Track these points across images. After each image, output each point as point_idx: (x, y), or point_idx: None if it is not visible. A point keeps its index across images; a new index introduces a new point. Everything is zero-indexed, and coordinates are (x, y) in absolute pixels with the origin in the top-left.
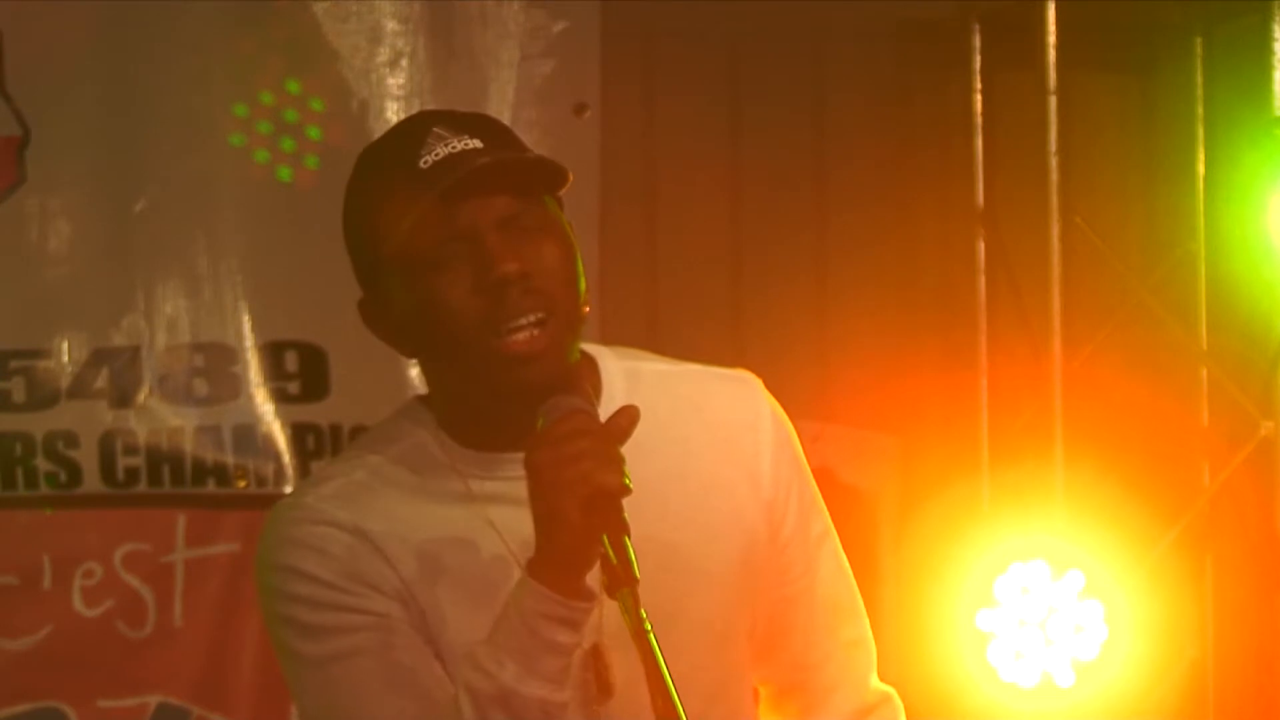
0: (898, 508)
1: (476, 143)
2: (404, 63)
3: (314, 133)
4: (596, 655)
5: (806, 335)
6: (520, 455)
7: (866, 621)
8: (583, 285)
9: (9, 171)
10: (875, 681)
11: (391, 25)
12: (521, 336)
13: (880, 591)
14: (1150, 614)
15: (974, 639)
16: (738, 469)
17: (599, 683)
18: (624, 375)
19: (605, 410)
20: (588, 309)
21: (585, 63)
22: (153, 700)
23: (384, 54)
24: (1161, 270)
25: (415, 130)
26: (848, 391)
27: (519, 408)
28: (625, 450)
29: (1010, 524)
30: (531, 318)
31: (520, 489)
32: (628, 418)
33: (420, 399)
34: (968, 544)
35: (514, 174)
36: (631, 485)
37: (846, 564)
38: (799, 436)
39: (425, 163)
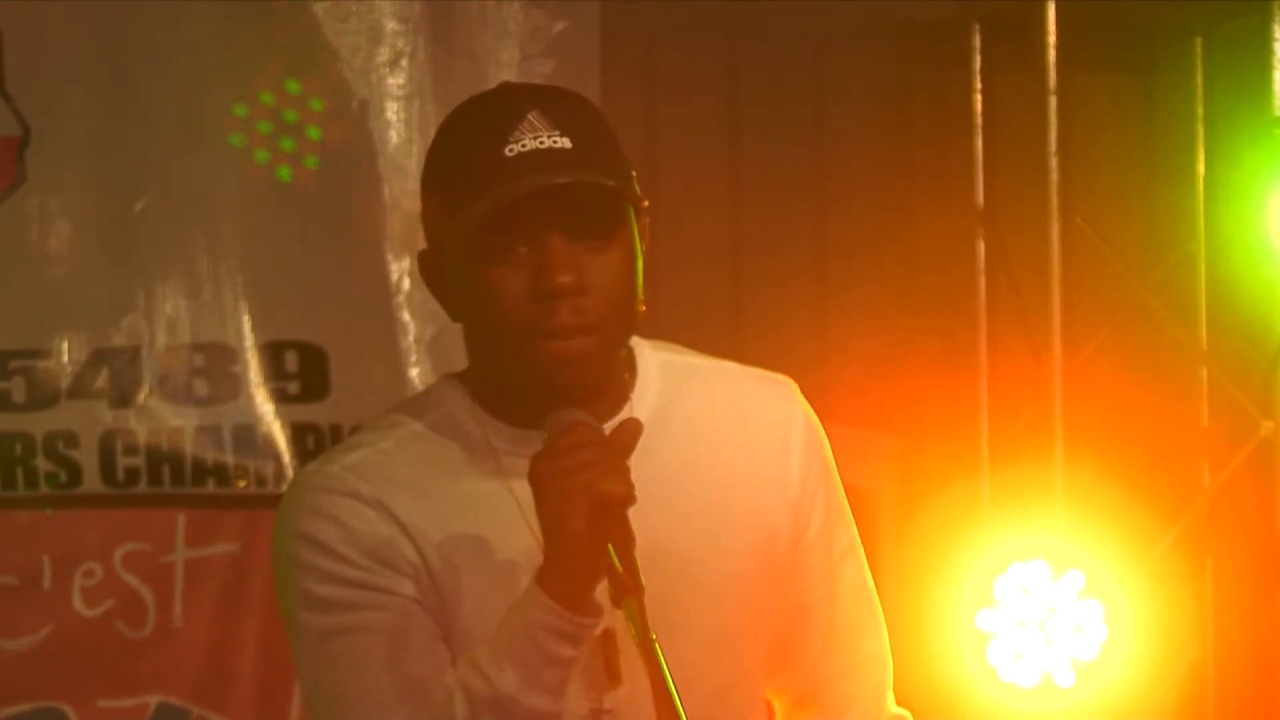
0: (898, 508)
1: (566, 142)
2: (404, 63)
3: (314, 133)
4: (607, 641)
5: (806, 335)
6: None
7: (886, 639)
8: (639, 290)
9: (9, 171)
10: (892, 703)
11: (391, 25)
12: (571, 343)
13: (880, 591)
14: (1150, 614)
15: (974, 639)
16: (765, 467)
17: (607, 670)
18: (660, 367)
19: (639, 400)
20: (644, 308)
21: (585, 63)
22: (153, 700)
23: (384, 54)
24: (1161, 270)
25: (513, 107)
26: (848, 391)
27: (557, 401)
28: (653, 440)
29: (1010, 524)
30: (576, 337)
31: None
32: (630, 431)
33: (454, 375)
34: (968, 544)
35: (589, 190)
36: (636, 496)
37: (871, 581)
38: None
39: (511, 150)
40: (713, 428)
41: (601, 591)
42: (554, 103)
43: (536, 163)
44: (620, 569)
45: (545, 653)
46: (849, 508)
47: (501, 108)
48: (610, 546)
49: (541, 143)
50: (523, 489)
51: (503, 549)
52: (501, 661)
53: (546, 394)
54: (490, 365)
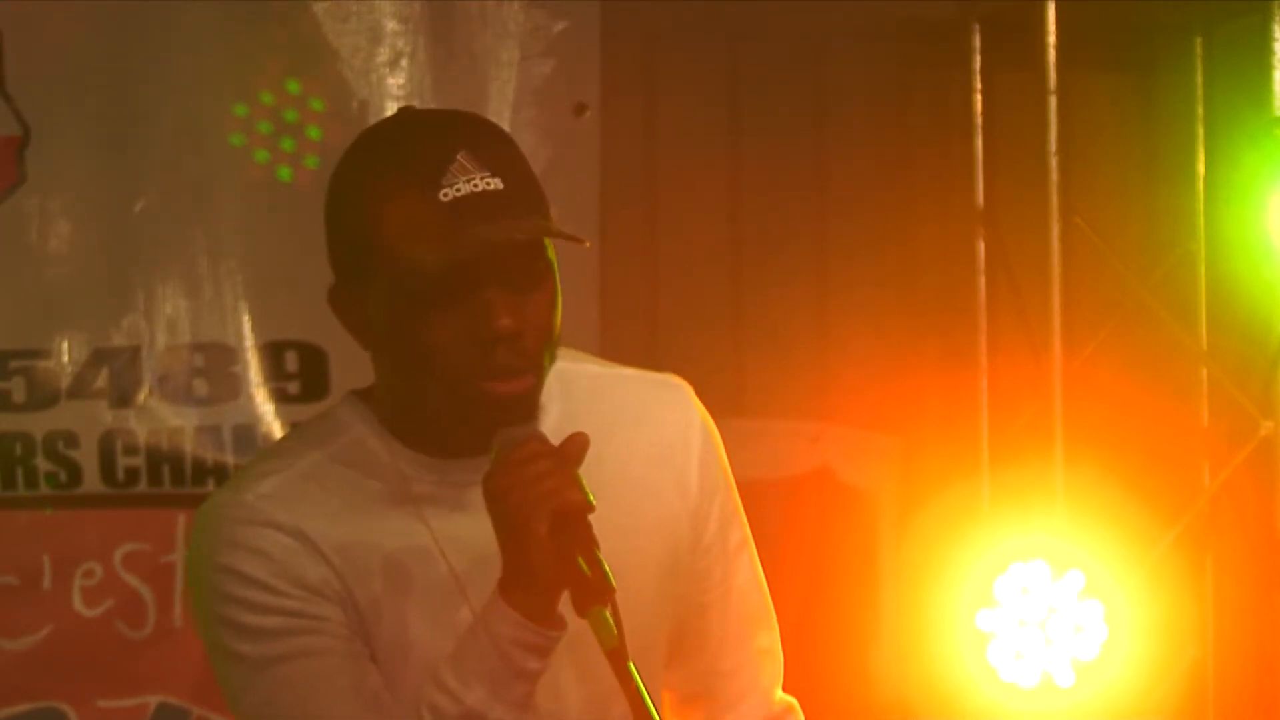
0: (898, 508)
1: (498, 183)
2: (404, 63)
3: (314, 133)
4: None
5: (806, 335)
6: (463, 462)
7: (777, 632)
8: (558, 326)
9: (9, 171)
10: (779, 692)
11: (391, 25)
12: (512, 384)
13: (880, 591)
14: (1150, 614)
15: (974, 639)
16: (667, 475)
17: None
18: (557, 377)
19: (545, 412)
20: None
21: (585, 63)
22: (153, 700)
23: (384, 54)
24: (1161, 270)
25: (439, 150)
26: (848, 391)
27: (484, 435)
28: None
29: (1010, 524)
30: (517, 377)
31: (460, 495)
32: (579, 443)
33: (359, 394)
34: (968, 544)
35: (533, 238)
36: (595, 502)
37: (761, 574)
38: (799, 437)
39: (446, 195)
40: (615, 440)
41: (563, 604)
42: (476, 138)
43: (476, 209)
44: (590, 574)
45: (514, 666)
46: (740, 502)
47: (426, 148)
48: (579, 556)
49: (475, 186)
50: (435, 517)
51: (418, 577)
52: (468, 678)
53: (480, 430)
54: (414, 399)
